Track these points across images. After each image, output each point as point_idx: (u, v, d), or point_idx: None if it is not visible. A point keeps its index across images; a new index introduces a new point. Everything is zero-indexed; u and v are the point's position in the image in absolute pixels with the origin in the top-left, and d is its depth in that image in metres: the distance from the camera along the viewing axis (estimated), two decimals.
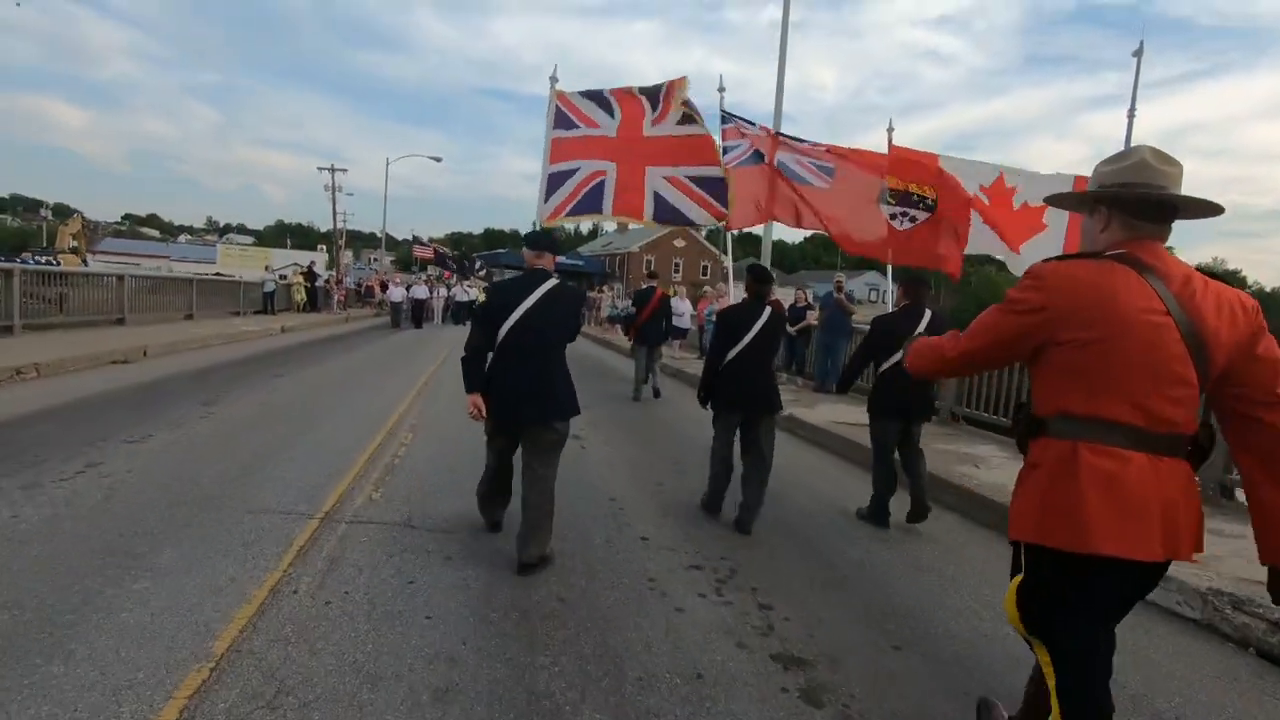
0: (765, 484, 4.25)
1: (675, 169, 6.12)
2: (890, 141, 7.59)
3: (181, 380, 8.54)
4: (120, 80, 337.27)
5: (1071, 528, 1.64)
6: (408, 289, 22.93)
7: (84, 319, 12.83)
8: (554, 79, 6.26)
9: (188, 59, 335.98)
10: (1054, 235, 7.06)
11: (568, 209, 6.05)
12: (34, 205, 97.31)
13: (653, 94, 6.28)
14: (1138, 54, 9.71)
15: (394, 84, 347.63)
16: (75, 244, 25.13)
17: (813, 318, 11.39)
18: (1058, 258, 1.76)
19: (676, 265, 60.14)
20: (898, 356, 4.29)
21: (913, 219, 6.73)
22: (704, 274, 62.13)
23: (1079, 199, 1.90)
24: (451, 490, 4.62)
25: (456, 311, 26.34)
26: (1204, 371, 1.64)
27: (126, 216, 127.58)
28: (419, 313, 22.62)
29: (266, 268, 22.59)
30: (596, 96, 6.32)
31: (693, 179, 6.12)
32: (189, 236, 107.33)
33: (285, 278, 25.26)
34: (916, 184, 6.84)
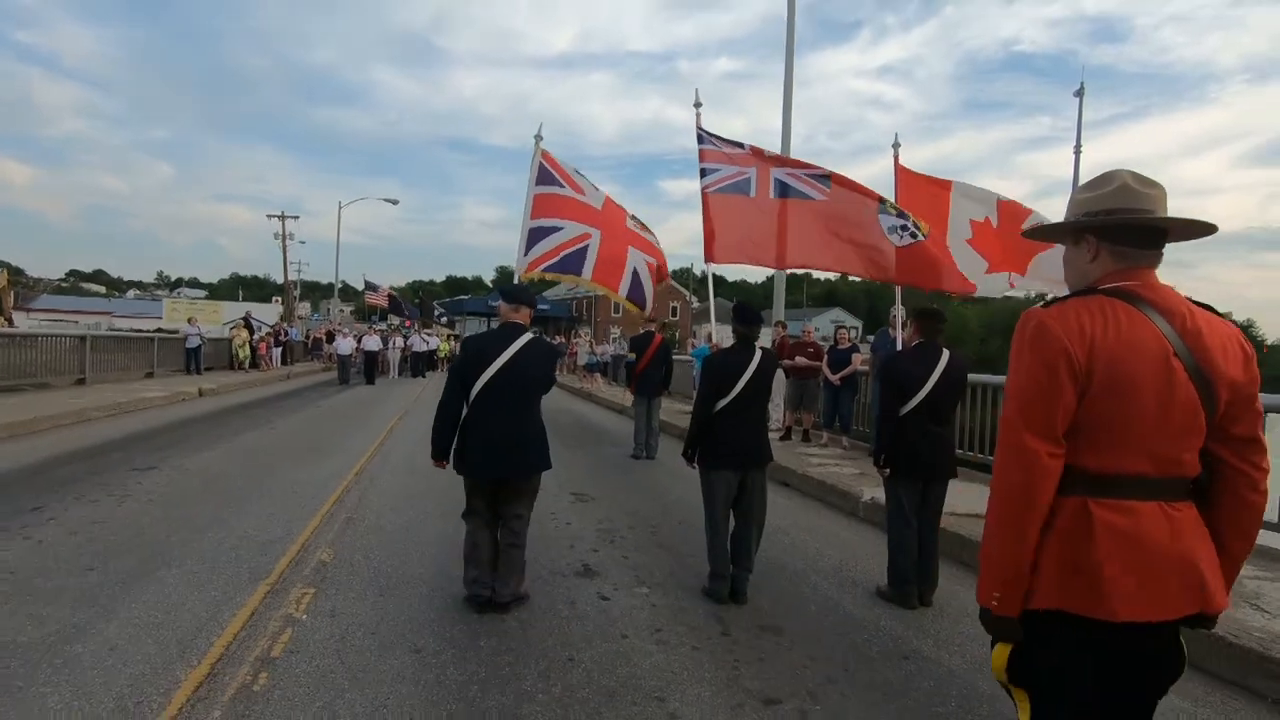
0: (758, 542, 3.90)
1: (648, 257, 6.58)
2: (897, 161, 7.21)
3: None
4: (70, 137, 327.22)
5: (1089, 593, 1.44)
6: (358, 340, 20.15)
7: None
8: (539, 136, 6.31)
9: (142, 116, 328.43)
10: (1059, 251, 6.29)
11: (546, 264, 6.17)
12: None
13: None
14: (1079, 94, 9.66)
15: (353, 137, 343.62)
16: None
17: (859, 361, 9.12)
18: (1048, 303, 1.56)
19: None
20: (914, 403, 3.85)
21: (913, 234, 6.57)
22: (674, 314, 60.30)
23: (1062, 229, 1.67)
24: None
25: (415, 363, 23.67)
26: (1211, 412, 1.48)
27: (71, 273, 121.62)
28: (371, 367, 19.82)
29: (189, 319, 19.39)
30: (578, 172, 6.67)
31: (651, 270, 6.61)
32: (138, 291, 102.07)
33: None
34: (914, 214, 6.59)
